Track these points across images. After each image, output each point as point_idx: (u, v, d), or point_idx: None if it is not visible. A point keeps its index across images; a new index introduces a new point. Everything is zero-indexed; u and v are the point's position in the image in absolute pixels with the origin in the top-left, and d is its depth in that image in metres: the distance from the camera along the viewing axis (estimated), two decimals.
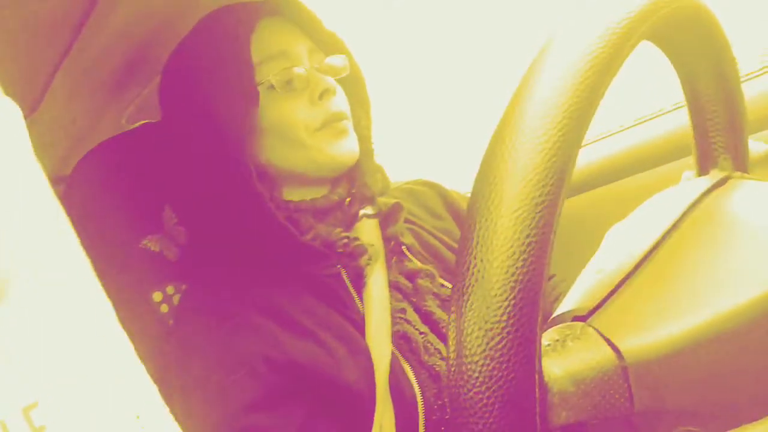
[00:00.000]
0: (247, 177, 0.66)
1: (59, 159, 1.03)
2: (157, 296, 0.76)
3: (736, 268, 0.35)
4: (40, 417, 0.25)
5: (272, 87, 0.69)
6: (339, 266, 0.70)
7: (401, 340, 0.68)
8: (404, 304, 0.71)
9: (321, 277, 0.69)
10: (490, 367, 0.28)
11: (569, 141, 0.30)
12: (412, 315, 0.71)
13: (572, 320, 0.35)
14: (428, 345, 0.69)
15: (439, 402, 0.65)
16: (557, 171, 0.29)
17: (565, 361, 0.32)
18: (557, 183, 0.29)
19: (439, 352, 0.69)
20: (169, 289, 0.77)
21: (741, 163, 0.49)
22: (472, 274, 0.29)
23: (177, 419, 0.31)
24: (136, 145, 0.82)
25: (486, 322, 0.28)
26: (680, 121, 1.00)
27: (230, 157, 0.66)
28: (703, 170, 0.50)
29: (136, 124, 0.88)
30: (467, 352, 0.28)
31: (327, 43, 0.75)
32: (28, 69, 0.74)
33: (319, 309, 0.67)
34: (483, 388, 0.28)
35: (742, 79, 0.48)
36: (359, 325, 0.68)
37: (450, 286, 0.76)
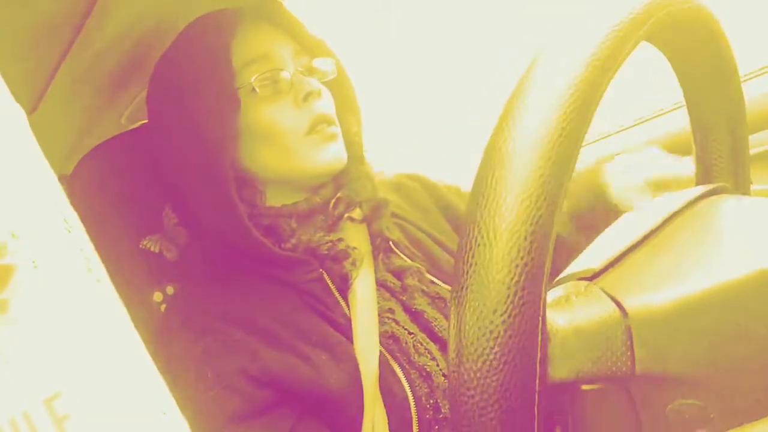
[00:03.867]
0: (225, 187, 0.65)
1: (59, 159, 1.03)
2: (157, 296, 0.76)
3: (741, 243, 0.35)
4: (63, 406, 0.26)
5: (254, 90, 0.68)
6: (321, 270, 0.70)
7: (390, 341, 0.68)
8: (392, 304, 0.71)
9: (303, 283, 0.68)
10: (492, 308, 0.28)
11: (569, 139, 0.30)
12: (400, 315, 0.70)
13: (577, 281, 0.35)
14: (418, 345, 0.68)
15: (431, 401, 0.65)
16: (558, 170, 0.29)
17: (570, 314, 0.32)
18: (557, 182, 0.29)
19: (429, 352, 0.68)
20: (169, 289, 0.77)
21: (742, 186, 0.49)
22: (476, 245, 0.29)
23: None
24: (136, 145, 0.82)
25: (492, 280, 0.28)
26: (680, 121, 1.00)
27: (210, 165, 0.66)
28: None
29: (136, 124, 0.88)
30: (470, 282, 0.28)
31: (312, 47, 0.74)
32: (28, 69, 0.74)
33: (301, 317, 0.66)
34: (483, 330, 0.28)
35: (742, 80, 0.48)
36: (346, 328, 0.67)
37: (439, 282, 0.75)
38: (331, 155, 0.70)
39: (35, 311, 0.26)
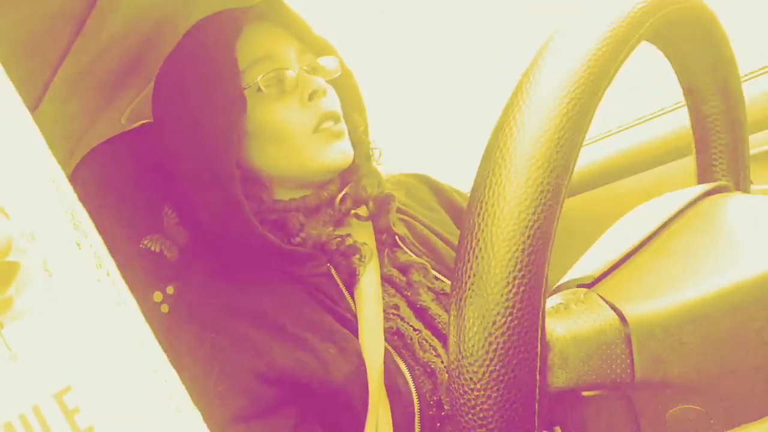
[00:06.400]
0: (230, 186, 0.65)
1: (59, 159, 1.03)
2: (157, 296, 0.76)
3: (739, 247, 0.35)
4: (73, 400, 0.26)
5: (260, 90, 0.68)
6: (329, 265, 0.70)
7: (395, 337, 0.68)
8: (397, 300, 0.71)
9: (311, 276, 0.69)
10: (491, 320, 0.28)
11: (570, 140, 0.30)
12: (405, 311, 0.71)
13: (576, 288, 0.35)
14: (422, 341, 0.69)
15: (435, 398, 0.66)
16: (558, 167, 0.29)
17: (568, 322, 0.32)
18: (558, 179, 0.29)
19: (434, 349, 0.69)
20: (169, 289, 0.77)
21: (742, 184, 0.49)
22: (474, 258, 0.29)
23: None
24: (136, 145, 0.82)
25: (490, 292, 0.28)
26: (680, 121, 1.00)
27: (215, 164, 0.66)
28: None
29: (136, 124, 0.88)
30: (470, 293, 0.28)
31: (316, 46, 0.75)
32: (28, 69, 0.74)
33: (308, 310, 0.67)
34: (482, 342, 0.28)
35: (742, 80, 0.48)
36: (352, 323, 0.67)
37: (443, 279, 0.76)
38: (338, 152, 0.70)
39: (43, 307, 0.27)
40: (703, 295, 0.32)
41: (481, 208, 0.29)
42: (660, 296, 0.32)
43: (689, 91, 0.49)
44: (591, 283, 0.35)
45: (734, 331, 0.32)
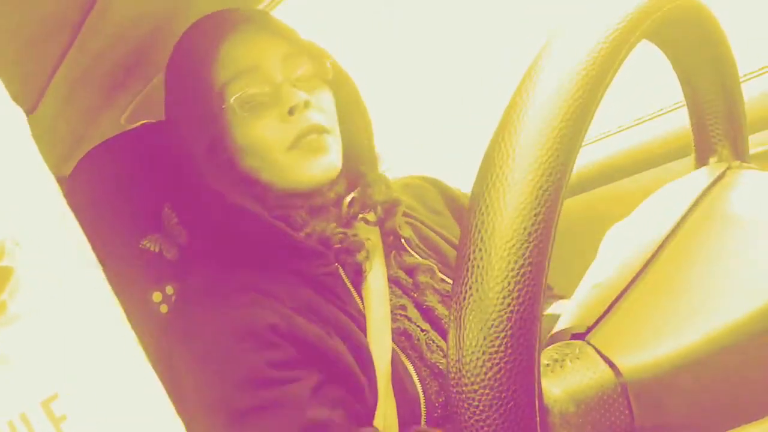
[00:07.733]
0: (226, 189, 0.67)
1: (59, 159, 1.03)
2: (156, 296, 0.76)
3: (734, 279, 0.35)
4: (60, 407, 0.26)
5: (237, 110, 0.69)
6: (336, 264, 0.70)
7: (402, 337, 0.68)
8: (404, 301, 0.71)
9: (318, 275, 0.69)
10: (489, 395, 0.28)
11: (569, 141, 0.30)
12: (412, 312, 0.71)
13: (571, 338, 0.35)
14: (430, 342, 0.69)
15: (441, 399, 0.66)
16: (557, 171, 0.29)
17: (565, 381, 0.32)
18: (556, 183, 0.29)
19: (441, 350, 0.69)
20: (169, 289, 0.77)
21: (740, 151, 0.49)
22: (470, 287, 0.29)
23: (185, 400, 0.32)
24: (136, 145, 0.82)
25: (485, 343, 0.28)
26: (680, 121, 1.00)
27: (208, 172, 0.67)
28: (701, 160, 0.50)
29: (136, 124, 0.88)
30: (466, 381, 0.28)
31: (304, 48, 0.73)
32: (28, 69, 0.74)
33: (318, 304, 0.66)
34: (483, 409, 0.28)
35: (741, 79, 0.48)
36: (360, 321, 0.67)
37: (449, 281, 0.76)
38: (317, 168, 0.69)
39: (33, 313, 0.27)
40: (695, 340, 0.32)
41: (471, 259, 0.29)
42: (653, 343, 0.33)
43: (688, 90, 0.48)
44: (584, 333, 0.35)
45: (728, 370, 0.32)
